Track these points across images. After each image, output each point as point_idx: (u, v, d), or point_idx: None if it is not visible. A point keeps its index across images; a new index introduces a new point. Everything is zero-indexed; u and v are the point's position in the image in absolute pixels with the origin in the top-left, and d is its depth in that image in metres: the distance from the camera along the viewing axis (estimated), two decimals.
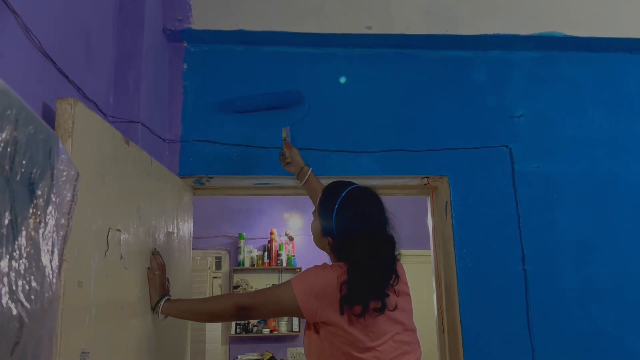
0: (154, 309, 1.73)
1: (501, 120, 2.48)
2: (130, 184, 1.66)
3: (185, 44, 2.42)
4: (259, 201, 5.63)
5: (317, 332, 1.57)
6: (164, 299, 1.74)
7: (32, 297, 0.74)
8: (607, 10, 2.50)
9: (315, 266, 1.59)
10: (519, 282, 2.33)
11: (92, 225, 1.38)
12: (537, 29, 2.45)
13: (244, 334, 5.49)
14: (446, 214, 2.40)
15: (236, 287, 5.60)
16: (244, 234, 5.65)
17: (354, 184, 1.70)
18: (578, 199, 2.42)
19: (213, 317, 1.78)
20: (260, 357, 5.32)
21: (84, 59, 1.64)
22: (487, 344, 2.27)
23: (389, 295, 1.54)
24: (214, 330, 6.62)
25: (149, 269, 1.75)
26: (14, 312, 0.66)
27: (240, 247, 5.61)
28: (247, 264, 5.59)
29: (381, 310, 1.51)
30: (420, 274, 4.12)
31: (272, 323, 5.49)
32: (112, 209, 1.51)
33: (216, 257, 6.68)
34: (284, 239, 5.68)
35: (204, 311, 1.73)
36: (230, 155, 2.35)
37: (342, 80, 2.33)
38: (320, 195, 1.72)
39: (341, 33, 2.38)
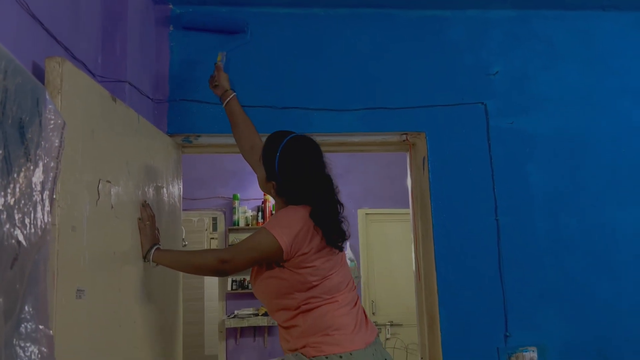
0: (145, 257, 1.87)
1: (477, 78, 2.57)
2: (118, 139, 1.77)
3: (170, 6, 2.49)
4: None
5: (281, 269, 1.72)
6: (154, 248, 1.87)
7: (27, 223, 0.85)
8: None
9: (284, 209, 1.74)
10: (492, 232, 2.46)
11: (83, 176, 1.50)
12: None
13: (240, 290, 5.68)
14: (424, 168, 2.52)
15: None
16: (238, 194, 5.78)
17: (293, 132, 1.86)
18: (550, 154, 2.53)
19: (197, 269, 1.90)
20: (256, 312, 5.53)
21: (71, 21, 1.73)
22: (461, 290, 2.42)
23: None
24: (212, 288, 6.84)
25: (139, 219, 1.88)
26: (13, 232, 0.77)
27: (235, 208, 5.75)
28: (242, 224, 5.74)
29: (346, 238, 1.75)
30: (403, 231, 4.29)
31: None
32: (102, 162, 1.63)
33: (212, 218, 6.85)
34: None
35: (190, 263, 1.86)
36: (217, 114, 2.45)
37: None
38: (263, 145, 1.87)
39: None
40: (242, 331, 5.66)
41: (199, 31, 2.47)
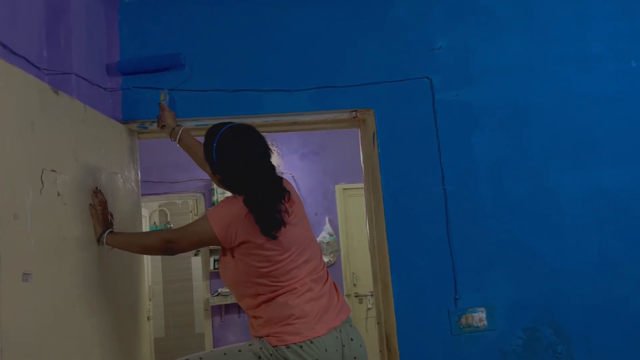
0: (98, 240, 1.97)
1: (422, 53, 2.65)
2: (63, 130, 1.85)
3: None
4: None
5: (232, 256, 1.82)
6: (107, 232, 1.97)
7: None
8: None
9: (226, 198, 1.84)
10: (440, 201, 2.57)
11: (24, 167, 1.59)
12: None
13: None
14: (374, 143, 2.61)
15: None
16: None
17: (229, 123, 1.90)
18: (494, 123, 2.63)
19: (145, 249, 1.98)
20: None
21: (9, 18, 1.80)
22: (412, 257, 2.53)
23: (283, 213, 1.80)
24: (199, 269, 6.98)
25: (90, 205, 1.98)
26: None
27: (213, 189, 5.85)
28: None
29: (280, 225, 1.77)
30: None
31: None
32: (45, 152, 1.72)
33: (196, 200, 6.95)
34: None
35: (139, 243, 1.97)
36: (170, 99, 2.52)
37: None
38: (204, 141, 1.92)
39: None
40: (227, 308, 5.81)
41: (138, 74, 2.50)
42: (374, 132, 2.60)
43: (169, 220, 7.69)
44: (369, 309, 5.76)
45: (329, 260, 5.77)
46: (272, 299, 1.78)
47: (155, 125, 2.55)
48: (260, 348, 1.75)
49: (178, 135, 2.29)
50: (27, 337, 1.53)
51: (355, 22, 2.65)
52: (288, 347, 1.71)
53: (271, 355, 1.73)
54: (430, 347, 2.50)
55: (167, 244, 1.83)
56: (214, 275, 5.90)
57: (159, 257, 7.58)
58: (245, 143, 1.84)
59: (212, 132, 1.89)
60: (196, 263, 7.25)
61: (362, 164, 2.71)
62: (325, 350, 1.73)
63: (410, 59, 2.64)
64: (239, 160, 1.81)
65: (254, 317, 1.83)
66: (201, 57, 2.56)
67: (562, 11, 2.72)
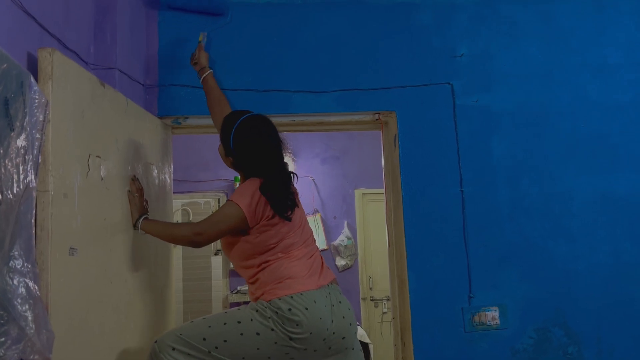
0: (134, 225, 2.12)
1: (444, 59, 2.76)
2: (108, 120, 2.00)
3: None
4: None
5: (246, 235, 1.96)
6: (143, 217, 2.12)
7: (9, 178, 1.10)
8: None
9: (245, 182, 2.02)
10: (457, 202, 2.67)
11: (74, 151, 1.74)
12: None
13: None
14: (395, 145, 2.73)
15: None
16: (239, 177, 6.02)
17: (249, 112, 2.08)
18: (512, 127, 2.73)
19: (176, 239, 2.11)
20: None
21: (63, 14, 1.96)
22: (428, 255, 2.63)
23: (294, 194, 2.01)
24: (218, 268, 7.13)
25: (129, 191, 2.12)
26: None
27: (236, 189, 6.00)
28: None
29: (293, 207, 1.97)
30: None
31: None
32: (92, 139, 1.86)
33: (217, 200, 7.11)
34: None
35: (170, 233, 2.10)
36: (203, 98, 2.65)
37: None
38: (222, 124, 2.09)
39: None
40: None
41: (181, 11, 2.68)
42: (395, 134, 2.72)
43: (190, 219, 7.85)
44: (384, 313, 5.84)
45: (346, 263, 5.87)
46: (270, 265, 1.95)
47: (188, 120, 2.71)
48: (257, 306, 1.89)
49: (205, 75, 2.49)
50: (71, 305, 1.67)
51: (380, 27, 2.77)
52: (280, 299, 1.86)
53: (266, 308, 1.86)
54: (443, 342, 2.59)
55: (196, 235, 1.97)
56: (233, 274, 6.04)
57: (180, 255, 7.75)
58: (262, 132, 2.02)
59: (231, 118, 2.06)
60: (216, 262, 7.39)
61: (382, 165, 2.82)
62: (314, 302, 1.87)
63: (433, 64, 2.75)
64: (255, 147, 1.99)
65: (254, 282, 1.99)
66: (234, 57, 2.70)
67: (581, 21, 2.82)
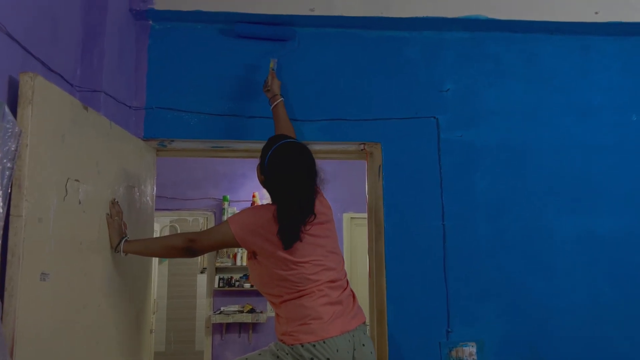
0: (115, 248, 2.11)
1: (430, 94, 2.79)
2: (89, 143, 2.00)
3: (150, 22, 2.73)
4: (242, 165, 5.99)
5: (256, 259, 2.02)
6: (123, 240, 2.12)
7: None
8: None
9: (250, 207, 2.02)
10: (438, 235, 2.67)
11: (51, 175, 1.74)
12: (464, 11, 2.74)
13: (226, 288, 5.92)
14: (379, 176, 2.74)
15: None
16: (228, 196, 6.03)
17: (290, 139, 2.16)
18: (495, 164, 2.74)
19: (166, 248, 2.14)
20: (241, 309, 5.76)
21: (50, 38, 1.97)
22: (408, 288, 2.62)
23: (301, 229, 1.97)
24: (203, 287, 7.10)
25: (108, 214, 2.12)
26: None
27: (224, 209, 5.99)
28: None
29: (295, 240, 1.96)
30: None
31: None
32: (72, 163, 1.87)
33: (206, 218, 7.10)
34: (266, 202, 6.04)
35: (161, 244, 2.18)
36: (189, 121, 2.68)
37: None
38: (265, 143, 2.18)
39: (287, 14, 2.69)
40: (228, 327, 5.90)
41: (251, 39, 2.75)
42: (380, 165, 2.73)
43: None
44: None
45: None
46: (291, 299, 1.97)
47: (173, 144, 2.72)
48: (277, 349, 1.93)
49: (276, 102, 2.54)
50: (40, 333, 1.65)
51: (369, 60, 2.80)
52: (302, 346, 1.88)
53: (287, 354, 1.90)
54: None
55: (189, 242, 2.03)
56: (217, 293, 6.00)
57: (165, 272, 7.71)
58: (294, 159, 2.07)
59: (273, 139, 2.17)
60: (201, 280, 7.36)
61: (366, 195, 2.83)
62: (337, 350, 1.88)
63: (419, 98, 2.78)
64: (281, 172, 2.05)
65: (277, 315, 2.04)
66: (223, 84, 2.71)
67: (565, 62, 2.85)
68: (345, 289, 2.08)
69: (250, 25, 2.72)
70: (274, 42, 2.76)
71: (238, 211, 6.02)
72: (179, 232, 7.86)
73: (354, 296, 2.11)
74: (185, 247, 2.04)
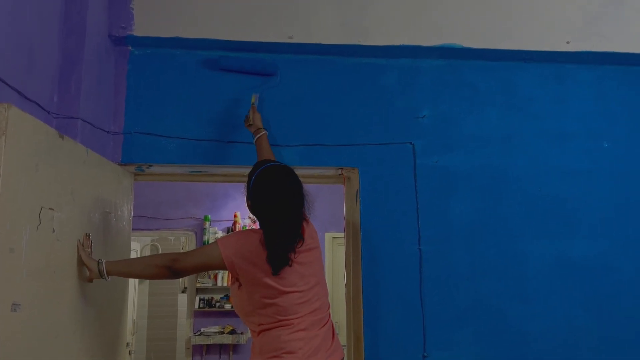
0: (99, 273, 2.04)
1: (407, 120, 2.83)
2: (64, 171, 2.00)
3: (129, 48, 2.75)
4: (224, 186, 5.99)
5: (240, 286, 1.99)
6: (102, 262, 2.07)
7: None
8: (503, 23, 2.85)
9: (240, 231, 2.01)
10: (415, 260, 2.70)
11: (24, 205, 1.73)
12: (440, 40, 2.80)
13: (207, 309, 5.88)
14: (356, 200, 2.76)
15: None
16: (210, 216, 6.02)
17: (272, 162, 2.16)
18: (471, 189, 2.79)
19: (148, 267, 2.05)
20: (222, 330, 5.72)
21: (25, 66, 1.98)
22: (384, 312, 2.64)
23: (290, 254, 1.96)
24: (184, 307, 7.03)
25: (79, 240, 2.09)
26: None
27: (205, 229, 5.98)
28: None
29: (284, 264, 1.94)
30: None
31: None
32: (46, 192, 1.86)
33: (187, 238, 7.07)
34: (247, 221, 6.04)
35: (143, 263, 2.13)
36: (167, 146, 2.69)
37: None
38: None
39: (266, 42, 2.72)
40: (208, 348, 5.85)
41: (235, 73, 2.77)
42: (357, 190, 2.76)
43: None
44: None
45: None
46: (269, 329, 1.94)
47: (151, 168, 2.72)
48: None
49: (259, 135, 2.55)
50: None
51: (347, 86, 2.84)
52: None
53: None
54: None
55: (171, 262, 1.98)
56: (198, 314, 5.96)
57: (146, 291, 7.64)
58: (277, 184, 2.05)
59: (257, 165, 2.16)
60: (182, 300, 7.29)
61: (344, 219, 2.85)
62: None
63: (396, 124, 2.82)
64: (266, 196, 2.03)
65: (253, 345, 2.02)
66: (202, 109, 2.73)
67: (540, 89, 2.92)
68: (326, 323, 2.04)
69: (233, 60, 2.74)
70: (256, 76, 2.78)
71: (224, 234, 6.03)
72: (160, 251, 7.80)
73: (333, 331, 2.07)
74: (167, 266, 1.97)
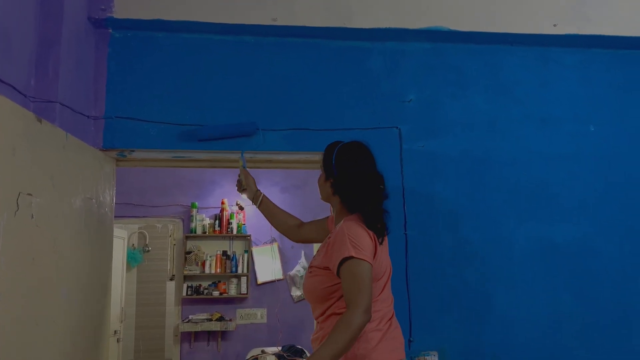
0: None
1: (393, 104, 2.81)
2: (43, 156, 1.96)
3: (110, 30, 2.69)
4: (211, 172, 5.95)
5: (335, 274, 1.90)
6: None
7: None
8: (490, 6, 2.82)
9: (352, 231, 1.91)
10: (401, 245, 2.69)
11: (1, 189, 1.69)
12: (426, 23, 2.77)
13: (195, 296, 5.86)
14: None
15: (189, 252, 5.95)
16: (197, 203, 5.98)
17: (351, 140, 2.16)
18: (456, 174, 2.78)
19: (354, 333, 1.78)
20: (210, 317, 5.71)
21: (2, 49, 1.93)
22: None
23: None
24: (172, 294, 7.01)
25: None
26: None
27: (192, 216, 5.94)
28: (199, 232, 5.93)
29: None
30: None
31: (222, 286, 5.87)
32: (23, 177, 1.83)
33: (173, 224, 7.02)
34: (235, 208, 6.02)
35: (347, 338, 1.76)
36: (149, 131, 2.65)
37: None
38: (324, 152, 2.15)
39: (250, 24, 2.68)
40: (197, 335, 5.84)
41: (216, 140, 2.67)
42: None
43: (147, 242, 7.73)
44: None
45: (301, 294, 5.84)
46: (391, 317, 2.03)
47: (133, 154, 2.67)
48: None
49: (260, 199, 2.49)
50: None
51: (332, 70, 2.81)
52: None
53: None
54: None
55: (365, 314, 1.79)
56: (185, 302, 5.94)
57: (133, 279, 7.60)
58: (362, 154, 2.10)
59: (333, 144, 2.13)
60: (170, 287, 7.27)
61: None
62: None
63: (382, 108, 2.79)
64: (356, 166, 2.04)
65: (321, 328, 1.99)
66: (185, 93, 2.69)
67: (525, 73, 2.90)
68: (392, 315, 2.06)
69: (211, 129, 2.63)
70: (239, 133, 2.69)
71: (212, 221, 5.94)
72: (147, 239, 7.75)
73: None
74: (366, 320, 1.79)
